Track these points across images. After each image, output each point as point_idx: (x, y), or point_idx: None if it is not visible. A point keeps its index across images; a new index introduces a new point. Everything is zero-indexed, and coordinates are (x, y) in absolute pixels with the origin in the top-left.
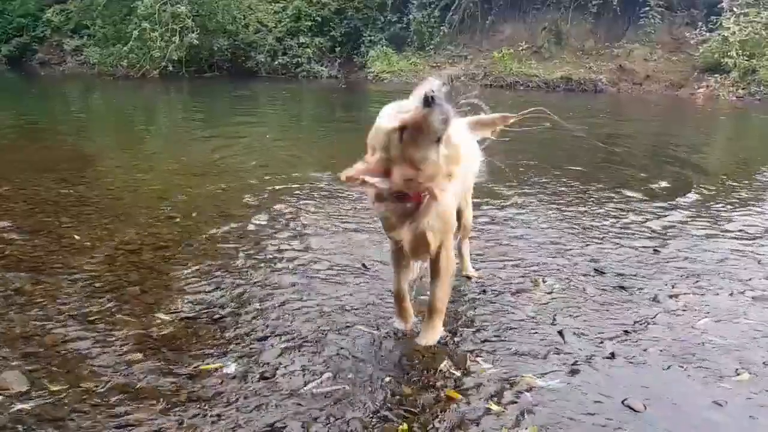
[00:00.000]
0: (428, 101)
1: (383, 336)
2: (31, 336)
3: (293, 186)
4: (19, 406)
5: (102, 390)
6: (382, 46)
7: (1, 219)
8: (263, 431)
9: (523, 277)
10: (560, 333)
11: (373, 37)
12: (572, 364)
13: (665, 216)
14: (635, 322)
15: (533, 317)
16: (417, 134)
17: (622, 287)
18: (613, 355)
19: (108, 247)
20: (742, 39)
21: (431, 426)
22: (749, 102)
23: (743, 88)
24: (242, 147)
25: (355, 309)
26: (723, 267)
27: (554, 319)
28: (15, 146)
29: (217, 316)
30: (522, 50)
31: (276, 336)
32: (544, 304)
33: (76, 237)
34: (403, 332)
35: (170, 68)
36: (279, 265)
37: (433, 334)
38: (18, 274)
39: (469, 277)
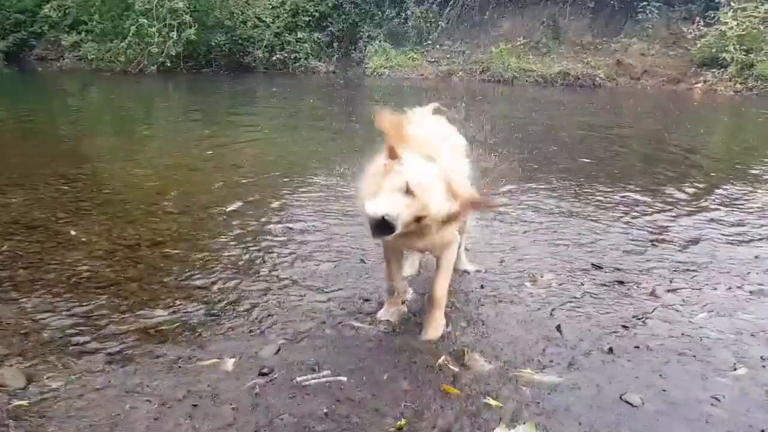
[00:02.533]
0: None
1: (381, 332)
2: (28, 332)
3: (292, 182)
4: (17, 402)
5: (100, 386)
6: (380, 42)
7: None
8: (261, 427)
9: (521, 271)
10: (558, 328)
11: (371, 33)
12: (570, 359)
13: (663, 211)
14: (633, 317)
15: (531, 312)
16: None
17: (620, 282)
18: (611, 350)
19: (106, 242)
20: (739, 33)
21: (429, 421)
22: (747, 96)
23: (741, 83)
24: (240, 142)
25: (354, 305)
26: (721, 262)
27: (552, 314)
28: (12, 142)
29: (215, 311)
30: (520, 45)
31: (274, 332)
32: (542, 298)
33: (73, 233)
34: (389, 324)
35: (168, 64)
36: (277, 261)
37: (436, 328)
38: (15, 270)
39: (467, 271)
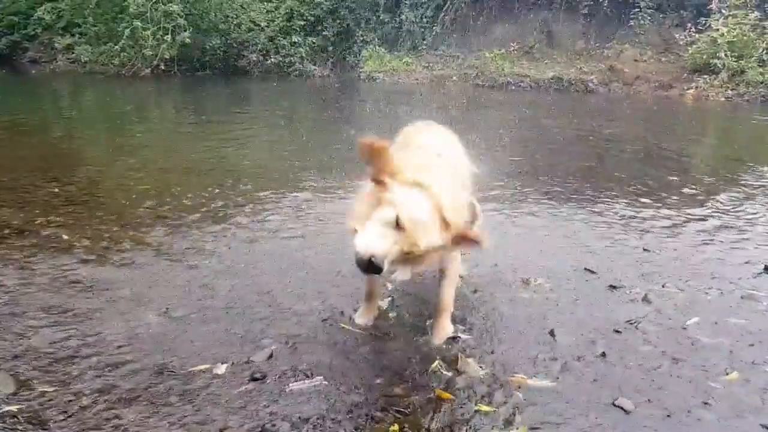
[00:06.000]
0: (362, 266)
1: (375, 337)
2: (18, 336)
3: (287, 185)
4: (6, 408)
5: (91, 391)
6: (375, 46)
7: None
8: None
9: (514, 276)
10: (551, 332)
11: (365, 37)
12: (563, 364)
13: (656, 216)
14: (626, 322)
15: (524, 317)
16: None
17: (613, 286)
18: (603, 355)
19: (98, 246)
20: (730, 40)
21: (422, 426)
22: (738, 103)
23: (732, 89)
24: (234, 147)
25: (348, 310)
26: (713, 266)
27: (545, 319)
28: (4, 144)
29: (207, 316)
30: (513, 51)
31: (267, 337)
32: (536, 303)
33: (65, 237)
34: (362, 328)
35: (162, 67)
36: (271, 266)
37: (443, 332)
38: (6, 273)
39: (461, 276)
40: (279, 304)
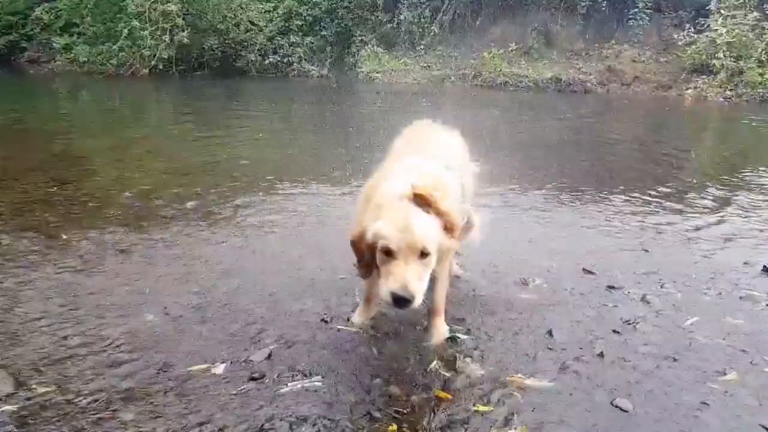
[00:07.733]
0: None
1: (373, 337)
2: (17, 337)
3: (286, 186)
4: (4, 407)
5: (90, 391)
6: (373, 46)
7: None
8: None
9: (513, 277)
10: (549, 333)
11: (364, 37)
12: (561, 364)
13: (654, 217)
14: (624, 322)
15: (523, 317)
16: None
17: (612, 287)
18: (602, 355)
19: (96, 246)
20: (729, 41)
21: (420, 426)
22: (736, 103)
23: (730, 90)
24: (232, 147)
25: (346, 310)
26: (711, 267)
27: (543, 319)
28: (1, 144)
29: (206, 316)
30: (512, 51)
31: (265, 337)
32: (534, 304)
33: (64, 236)
34: (360, 328)
35: (160, 67)
36: (269, 266)
37: (438, 333)
38: (4, 274)
39: (458, 276)
40: (277, 304)
